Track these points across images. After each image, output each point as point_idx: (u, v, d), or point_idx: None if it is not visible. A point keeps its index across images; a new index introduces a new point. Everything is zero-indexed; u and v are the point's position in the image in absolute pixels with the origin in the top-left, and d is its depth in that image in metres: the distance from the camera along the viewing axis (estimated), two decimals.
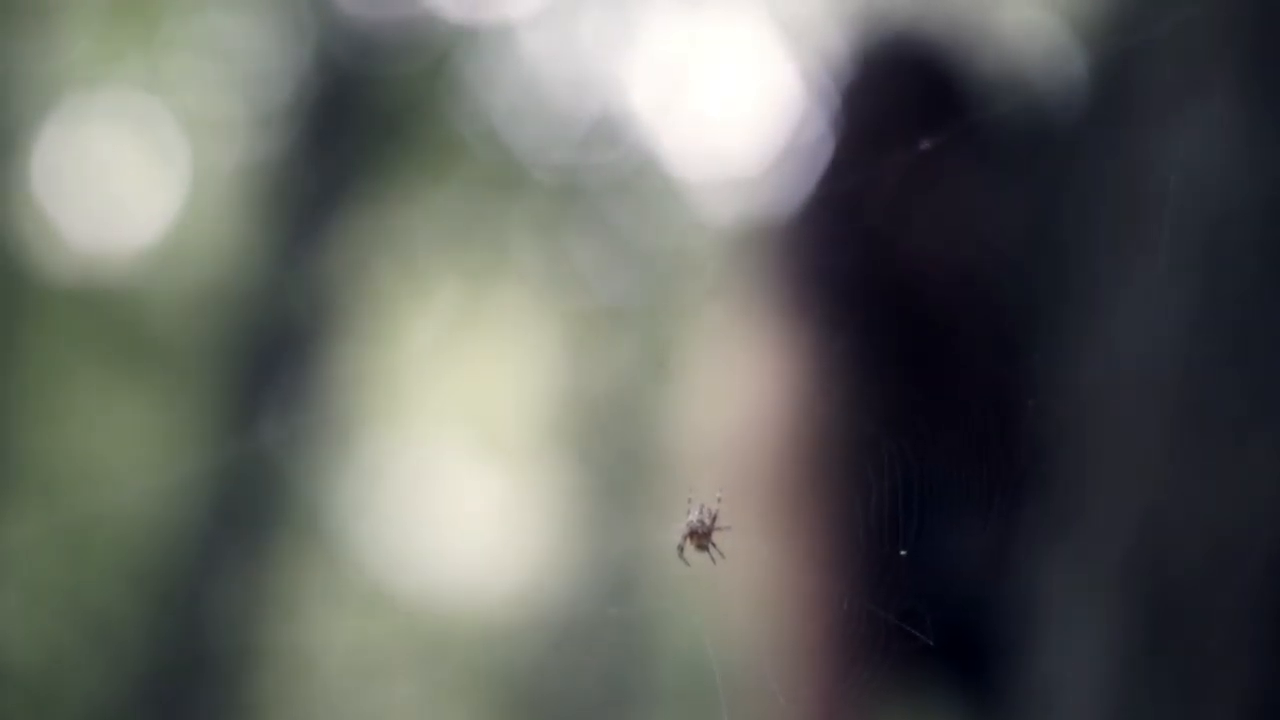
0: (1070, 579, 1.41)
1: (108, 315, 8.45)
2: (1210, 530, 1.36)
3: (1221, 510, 1.37)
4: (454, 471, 14.13)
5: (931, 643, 1.80)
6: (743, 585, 1.85)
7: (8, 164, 7.98)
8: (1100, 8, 1.68)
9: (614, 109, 9.21)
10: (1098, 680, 1.37)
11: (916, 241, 1.87)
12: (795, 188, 2.01)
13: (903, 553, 1.89)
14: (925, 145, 1.88)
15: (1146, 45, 1.50)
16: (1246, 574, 1.35)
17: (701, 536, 1.85)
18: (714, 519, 1.83)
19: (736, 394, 1.89)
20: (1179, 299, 1.44)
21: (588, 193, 9.19)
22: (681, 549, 1.84)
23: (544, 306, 10.25)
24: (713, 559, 1.83)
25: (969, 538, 1.79)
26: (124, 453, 9.56)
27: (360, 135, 7.86)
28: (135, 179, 9.87)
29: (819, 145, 1.98)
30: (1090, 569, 1.40)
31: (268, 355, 7.88)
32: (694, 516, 1.84)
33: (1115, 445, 1.43)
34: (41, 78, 7.08)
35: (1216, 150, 1.44)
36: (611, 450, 12.77)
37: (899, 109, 1.91)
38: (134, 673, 7.65)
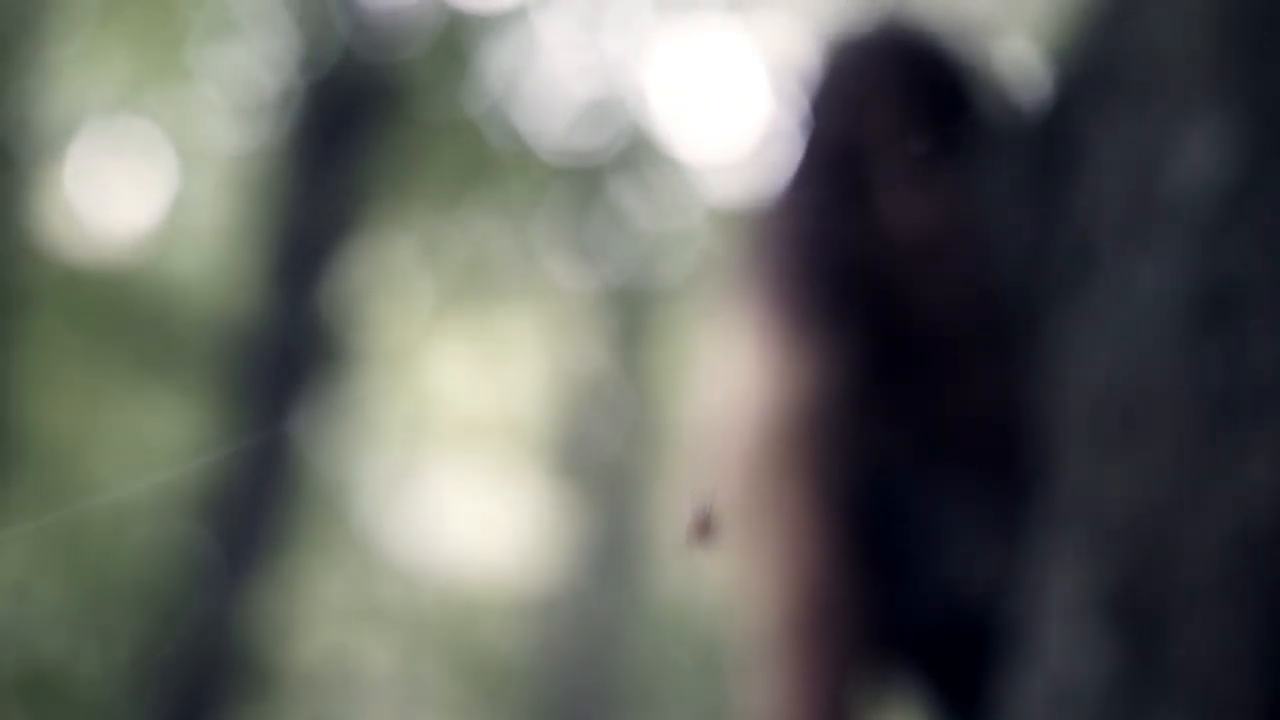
0: (1066, 580, 1.42)
1: (121, 316, 8.40)
2: (1211, 533, 1.38)
3: (1222, 514, 1.38)
4: (460, 463, 14.12)
5: (929, 638, 1.81)
6: (743, 576, 1.86)
7: (40, 174, 7.98)
8: (1070, 23, 1.68)
9: (617, 92, 9.20)
10: (1095, 686, 1.38)
11: (905, 231, 1.88)
12: (786, 174, 2.00)
13: (909, 544, 1.90)
14: (913, 140, 1.88)
15: (1118, 56, 1.52)
16: (1248, 578, 1.37)
17: (706, 527, 1.86)
18: (718, 510, 1.85)
19: (739, 383, 1.88)
20: (1170, 302, 1.46)
21: (593, 173, 9.18)
22: (686, 538, 1.86)
23: (548, 289, 10.23)
24: (717, 548, 1.84)
25: (970, 534, 1.80)
26: (137, 450, 9.56)
27: (368, 117, 7.83)
28: (144, 176, 9.86)
29: (807, 134, 1.97)
30: (1088, 571, 1.41)
31: (276, 350, 7.85)
32: (697, 506, 1.85)
33: (1113, 448, 1.44)
34: (60, 71, 7.04)
35: (1181, 155, 1.46)
36: (614, 438, 12.77)
37: (889, 102, 1.90)
38: (143, 668, 7.63)
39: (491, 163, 8.59)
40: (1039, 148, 1.65)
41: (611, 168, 9.05)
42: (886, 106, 1.90)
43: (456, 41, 7.95)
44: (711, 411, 1.89)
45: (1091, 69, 1.57)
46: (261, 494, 7.63)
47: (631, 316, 10.40)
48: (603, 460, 12.61)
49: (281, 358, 7.74)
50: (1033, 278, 1.61)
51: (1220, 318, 1.40)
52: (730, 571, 1.86)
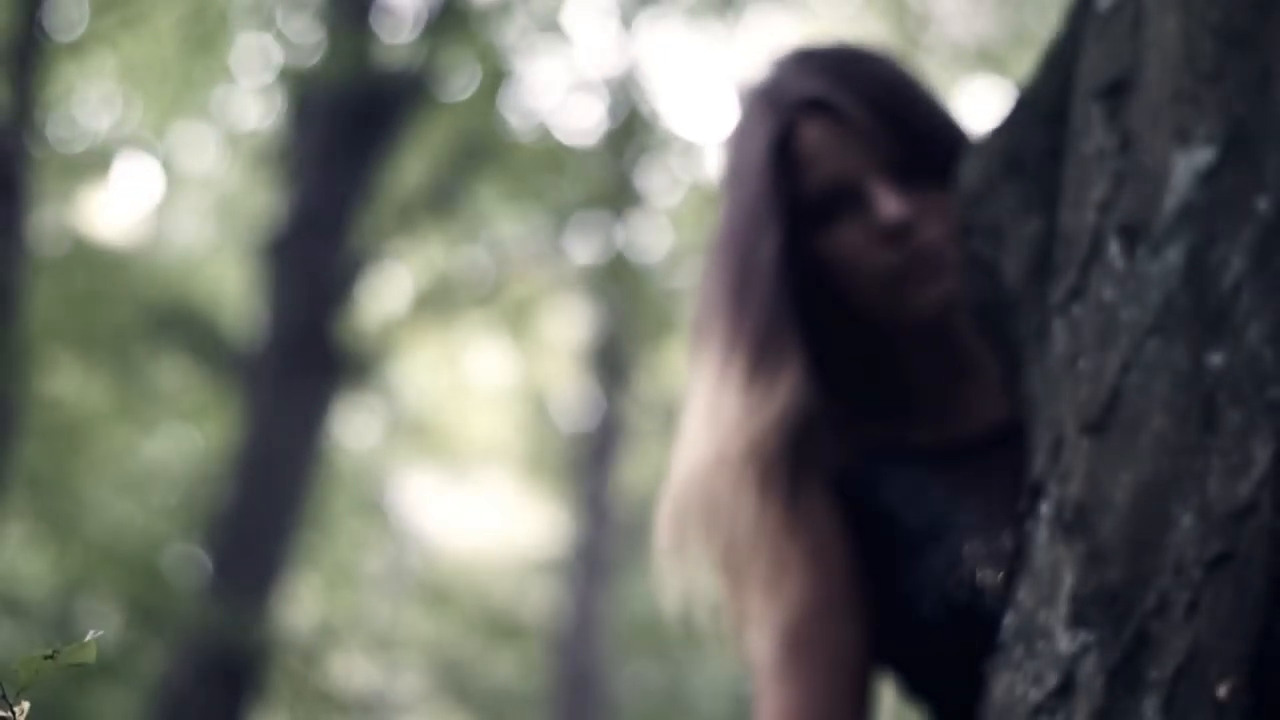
0: (1066, 579, 1.42)
1: (122, 302, 8.39)
2: (1211, 529, 1.38)
3: (1222, 510, 1.39)
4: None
5: (928, 640, 1.81)
6: (737, 600, 1.86)
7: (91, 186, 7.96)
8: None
9: (618, 71, 9.21)
10: (1092, 684, 1.38)
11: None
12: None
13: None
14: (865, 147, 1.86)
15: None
16: (1247, 575, 1.37)
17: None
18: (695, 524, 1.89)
19: (710, 410, 1.87)
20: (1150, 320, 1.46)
21: (593, 151, 9.18)
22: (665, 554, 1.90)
23: (548, 268, 10.23)
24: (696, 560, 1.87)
25: (967, 534, 1.80)
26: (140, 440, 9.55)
27: (371, 102, 7.82)
28: (147, 167, 9.85)
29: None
30: (1087, 568, 1.41)
31: (280, 340, 7.83)
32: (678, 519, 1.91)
33: (1111, 445, 1.44)
34: (68, 59, 7.02)
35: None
36: (610, 416, 12.77)
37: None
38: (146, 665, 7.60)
39: (493, 143, 8.59)
40: (1031, 152, 1.65)
41: (611, 145, 9.05)
42: (832, 108, 1.86)
43: (457, 27, 7.94)
44: (688, 439, 1.88)
45: (1086, 74, 1.58)
46: (264, 487, 7.62)
47: (629, 293, 10.40)
48: (598, 440, 12.65)
49: (285, 348, 7.73)
50: (1029, 278, 1.61)
51: (1219, 316, 1.41)
52: (717, 588, 1.86)
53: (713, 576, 1.85)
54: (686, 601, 1.87)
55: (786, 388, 1.82)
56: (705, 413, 1.85)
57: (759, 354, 1.83)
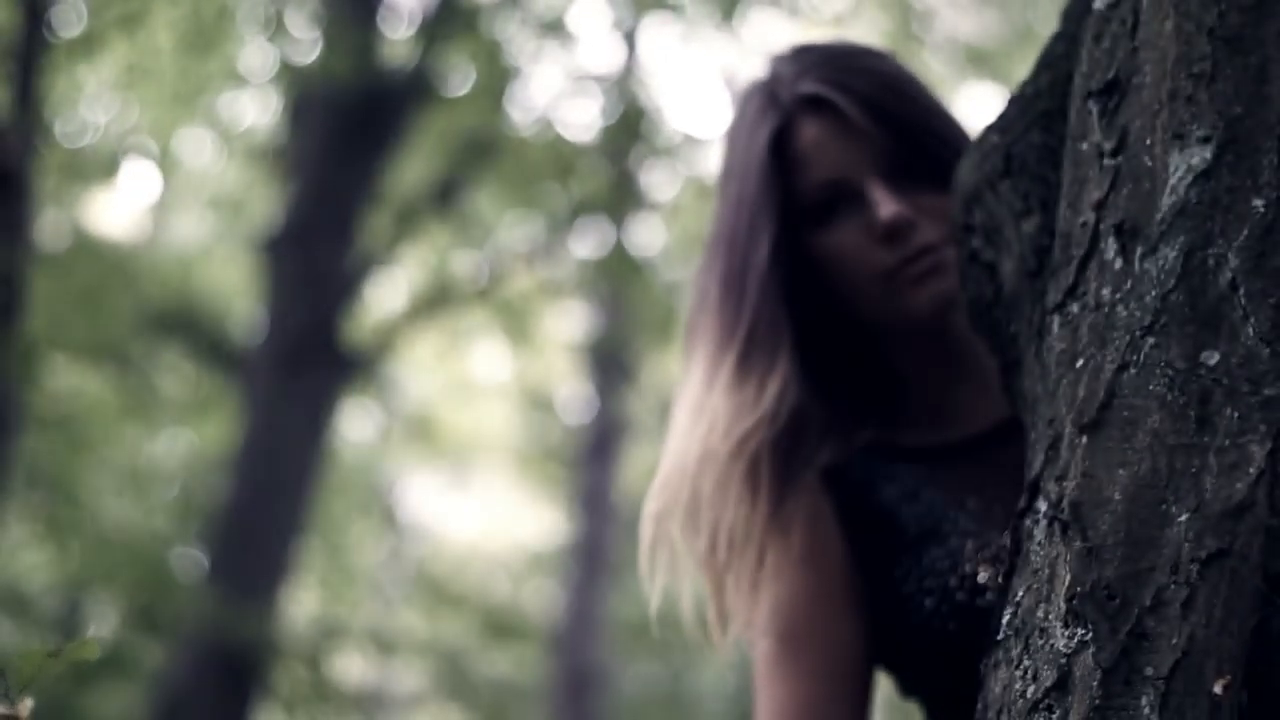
0: (1063, 577, 1.43)
1: (121, 297, 8.37)
2: (1207, 528, 1.39)
3: (1217, 509, 1.39)
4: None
5: (926, 639, 1.81)
6: (729, 601, 1.86)
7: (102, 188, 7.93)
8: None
9: (618, 66, 9.20)
10: (1087, 682, 1.39)
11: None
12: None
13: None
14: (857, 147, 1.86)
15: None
16: (1243, 572, 1.38)
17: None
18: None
19: (700, 410, 1.86)
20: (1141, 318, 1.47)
21: (593, 147, 9.17)
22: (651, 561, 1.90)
23: (548, 263, 10.23)
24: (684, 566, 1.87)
25: (965, 532, 1.80)
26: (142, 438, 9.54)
27: (371, 97, 7.80)
28: (148, 162, 9.84)
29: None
30: (1084, 567, 1.41)
31: (281, 338, 7.81)
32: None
33: (1108, 444, 1.45)
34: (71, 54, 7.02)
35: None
36: (609, 408, 12.76)
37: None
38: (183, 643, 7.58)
39: (496, 139, 8.57)
40: (1029, 152, 1.66)
41: (613, 142, 9.04)
42: (828, 104, 1.85)
43: (458, 24, 7.92)
44: (677, 436, 1.87)
45: (1083, 74, 1.58)
46: (265, 485, 7.61)
47: (631, 288, 10.39)
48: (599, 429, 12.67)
49: (286, 346, 7.71)
50: (1027, 277, 1.62)
51: (1215, 315, 1.41)
52: (701, 585, 1.86)
53: (697, 574, 1.85)
54: (670, 598, 1.86)
55: (776, 388, 1.81)
56: (694, 410, 1.84)
57: (750, 352, 1.83)
